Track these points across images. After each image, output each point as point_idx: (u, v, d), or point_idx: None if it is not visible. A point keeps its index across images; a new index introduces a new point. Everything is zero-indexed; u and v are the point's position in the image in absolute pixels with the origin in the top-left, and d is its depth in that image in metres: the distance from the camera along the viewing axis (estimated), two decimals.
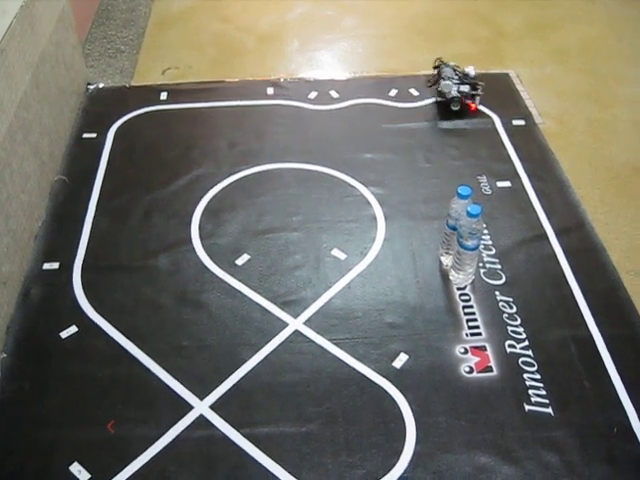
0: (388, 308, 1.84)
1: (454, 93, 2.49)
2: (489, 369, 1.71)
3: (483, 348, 1.75)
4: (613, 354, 1.75)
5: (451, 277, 1.90)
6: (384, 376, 1.69)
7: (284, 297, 1.87)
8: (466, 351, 1.74)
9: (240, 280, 1.92)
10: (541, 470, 1.53)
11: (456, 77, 2.54)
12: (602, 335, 1.79)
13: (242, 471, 1.52)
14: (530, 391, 1.66)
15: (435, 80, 2.59)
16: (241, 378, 1.69)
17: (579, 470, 1.52)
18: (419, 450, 1.55)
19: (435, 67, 2.62)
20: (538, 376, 1.70)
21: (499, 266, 1.95)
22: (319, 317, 1.82)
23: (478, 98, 2.54)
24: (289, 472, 1.51)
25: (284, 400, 1.65)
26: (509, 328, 1.80)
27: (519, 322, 1.81)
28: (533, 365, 1.72)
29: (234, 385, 1.68)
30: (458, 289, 1.89)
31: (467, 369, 1.70)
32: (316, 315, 1.82)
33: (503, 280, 1.92)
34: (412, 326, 1.80)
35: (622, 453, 1.56)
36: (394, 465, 1.53)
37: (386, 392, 1.66)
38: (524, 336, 1.78)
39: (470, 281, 1.89)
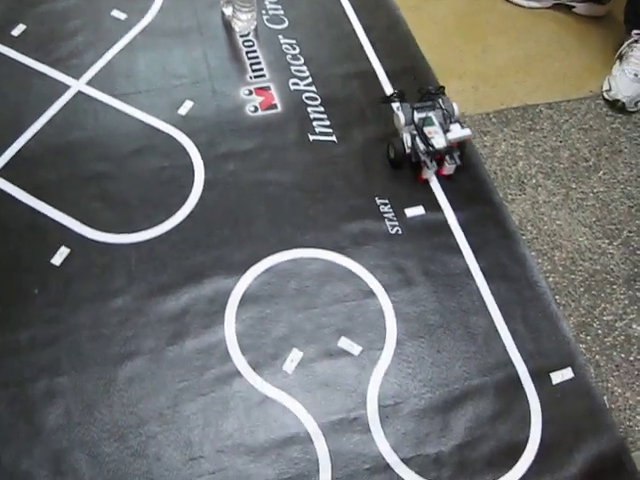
0: (172, 60, 1.82)
1: (442, 143, 1.59)
2: (274, 106, 1.74)
3: (267, 88, 1.78)
4: (393, 84, 1.82)
5: (234, 26, 1.89)
6: (171, 124, 1.70)
7: (65, 61, 1.81)
8: (250, 92, 1.76)
9: (17, 50, 1.83)
10: (326, 192, 1.61)
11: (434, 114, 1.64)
12: (383, 68, 1.85)
13: (35, 227, 1.53)
14: (314, 122, 1.72)
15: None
16: (27, 141, 1.65)
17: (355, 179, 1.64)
18: (205, 197, 1.59)
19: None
20: (322, 109, 1.75)
21: (282, 12, 1.95)
22: (102, 76, 1.78)
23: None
24: (79, 220, 1.53)
25: (71, 158, 1.64)
26: (293, 68, 1.82)
27: (303, 62, 1.84)
28: (317, 99, 1.77)
29: (19, 150, 1.64)
30: (241, 36, 1.88)
31: (252, 108, 1.73)
32: (99, 74, 1.78)
33: (286, 24, 1.93)
34: (196, 74, 1.79)
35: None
36: (179, 209, 1.56)
37: (173, 138, 1.67)
38: (307, 74, 1.82)
39: (253, 27, 1.89)
